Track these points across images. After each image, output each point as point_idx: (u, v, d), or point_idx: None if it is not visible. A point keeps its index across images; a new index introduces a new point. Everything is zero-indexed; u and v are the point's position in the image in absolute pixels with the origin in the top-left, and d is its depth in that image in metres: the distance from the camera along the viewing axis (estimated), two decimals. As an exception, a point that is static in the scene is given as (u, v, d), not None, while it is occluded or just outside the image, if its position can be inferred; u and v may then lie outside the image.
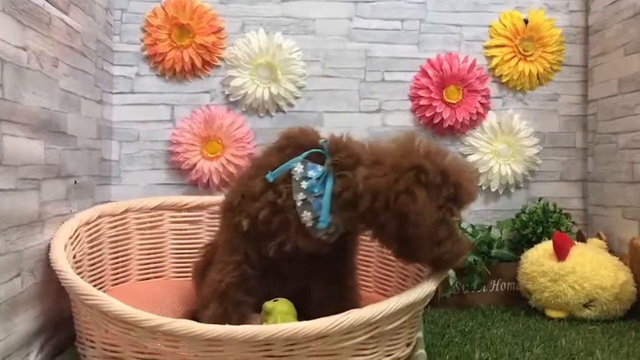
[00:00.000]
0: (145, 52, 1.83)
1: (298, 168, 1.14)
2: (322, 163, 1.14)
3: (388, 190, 1.05)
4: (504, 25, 1.88)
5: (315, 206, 1.12)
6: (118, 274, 1.54)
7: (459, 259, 1.14)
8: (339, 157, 1.12)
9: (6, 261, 1.09)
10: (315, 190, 1.12)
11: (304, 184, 1.13)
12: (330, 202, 1.11)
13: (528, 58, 1.88)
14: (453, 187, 1.07)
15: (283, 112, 1.87)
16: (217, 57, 1.84)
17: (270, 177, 1.15)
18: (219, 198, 1.40)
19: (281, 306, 1.20)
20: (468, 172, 1.13)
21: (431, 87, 1.85)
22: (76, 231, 1.34)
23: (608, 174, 1.77)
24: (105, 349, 1.16)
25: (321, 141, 1.17)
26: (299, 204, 1.13)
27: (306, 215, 1.13)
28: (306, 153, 1.15)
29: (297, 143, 1.18)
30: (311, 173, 1.13)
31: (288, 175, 1.15)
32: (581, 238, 1.77)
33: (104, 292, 1.42)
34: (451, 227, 1.10)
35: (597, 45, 1.83)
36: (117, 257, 1.53)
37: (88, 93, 1.55)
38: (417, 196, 1.03)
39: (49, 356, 1.25)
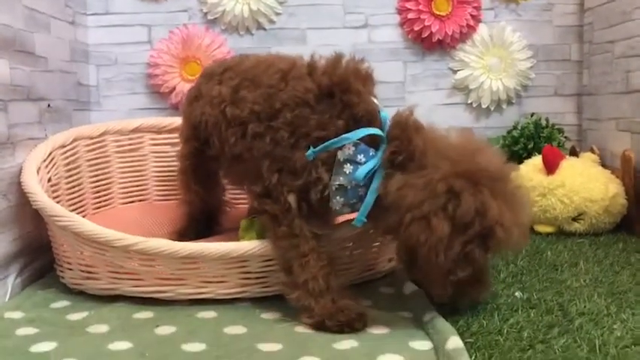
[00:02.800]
0: (118, -30, 1.76)
1: (348, 149, 0.98)
2: (376, 144, 0.99)
3: (408, 209, 0.92)
4: None
5: (351, 194, 1.00)
6: (99, 198, 1.53)
7: (472, 303, 1.02)
8: (396, 149, 0.97)
9: (-27, 182, 1.08)
10: (360, 181, 0.98)
11: (348, 168, 0.99)
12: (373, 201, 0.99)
13: (521, -36, 1.80)
14: (489, 226, 0.91)
15: (264, 29, 1.81)
16: (193, -28, 1.78)
17: (310, 155, 1.00)
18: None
19: (259, 223, 1.18)
20: (520, 212, 0.95)
21: (419, -2, 1.78)
22: (50, 154, 1.32)
23: (603, 86, 1.71)
24: (82, 271, 1.16)
25: (382, 114, 1.00)
26: (334, 188, 1.00)
27: (338, 201, 1.01)
28: (360, 133, 0.98)
29: (347, 102, 1.00)
30: (361, 158, 0.98)
31: (331, 153, 1.00)
32: (575, 154, 1.74)
33: (85, 216, 1.43)
34: (476, 268, 0.94)
35: (594, -52, 1.73)
36: (97, 181, 1.52)
37: (58, 13, 1.50)
38: (434, 227, 0.90)
39: (28, 280, 1.26)
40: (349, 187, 0.99)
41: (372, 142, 0.98)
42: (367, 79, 1.04)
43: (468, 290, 0.97)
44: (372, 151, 0.98)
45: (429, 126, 1.01)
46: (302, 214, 1.03)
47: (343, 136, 0.98)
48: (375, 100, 1.03)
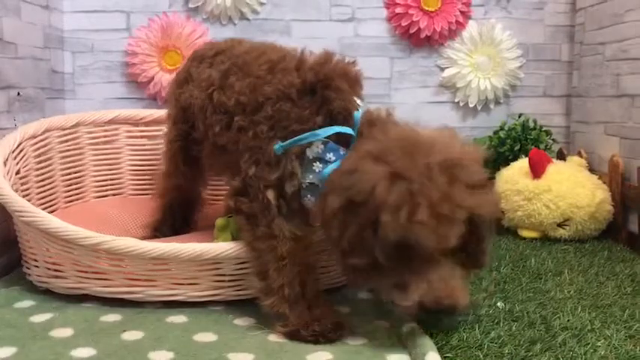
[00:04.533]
0: (96, -48, 1.71)
1: (316, 147, 0.97)
2: (348, 143, 0.97)
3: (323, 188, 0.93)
4: None
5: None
6: (71, 191, 1.48)
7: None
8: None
9: None
10: (325, 180, 0.95)
11: (317, 167, 0.97)
12: None
13: (514, -38, 1.77)
14: (376, 207, 0.83)
15: (247, 19, 1.78)
16: (175, -43, 1.73)
17: (278, 149, 0.98)
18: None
19: (235, 223, 1.14)
20: (454, 195, 0.83)
21: (408, -7, 1.75)
22: (19, 145, 1.28)
23: (593, 88, 1.68)
24: (48, 269, 1.13)
25: (356, 113, 0.98)
26: (304, 185, 0.98)
27: (310, 200, 0.98)
28: (330, 130, 0.96)
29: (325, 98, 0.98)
30: (330, 156, 0.96)
31: (303, 148, 0.98)
32: (562, 157, 1.73)
33: (56, 210, 1.38)
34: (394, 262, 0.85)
35: (589, -54, 1.70)
36: (69, 174, 1.47)
37: (30, -4, 1.44)
38: (327, 202, 0.88)
39: None
40: (320, 185, 0.96)
41: (344, 141, 0.96)
42: (354, 80, 1.02)
43: (431, 299, 0.86)
44: (342, 150, 0.96)
45: (406, 123, 0.97)
46: (281, 213, 1.00)
47: (312, 132, 0.96)
48: (359, 101, 1.00)
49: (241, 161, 1.04)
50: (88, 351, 0.90)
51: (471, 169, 0.86)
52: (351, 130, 0.96)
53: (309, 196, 0.98)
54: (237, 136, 1.05)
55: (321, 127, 0.97)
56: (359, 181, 0.85)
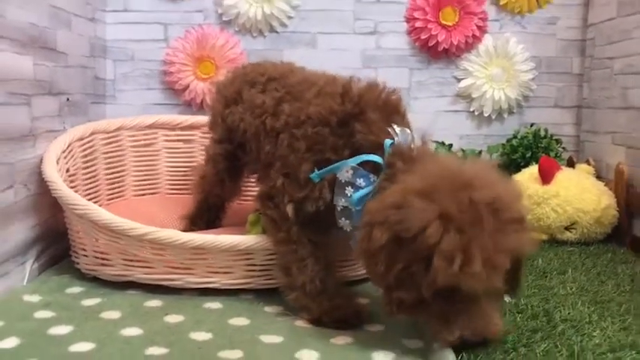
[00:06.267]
0: (137, -31, 1.82)
1: (346, 172, 1.00)
2: (377, 170, 1.00)
3: (364, 219, 0.92)
4: (505, -56, 1.83)
5: (356, 217, 1.00)
6: (113, 189, 1.59)
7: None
8: (389, 176, 0.97)
9: (-1, 172, 1.14)
10: (357, 206, 0.99)
11: (349, 191, 1.00)
12: None
13: (528, -21, 1.84)
14: (428, 247, 0.83)
15: (276, 32, 1.87)
16: (210, -26, 1.83)
17: (315, 177, 1.03)
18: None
19: (264, 220, 1.24)
20: (493, 242, 0.82)
21: (427, 8, 1.83)
22: (69, 146, 1.38)
23: (602, 100, 1.76)
24: (96, 257, 1.22)
25: (386, 141, 0.99)
26: (339, 209, 1.02)
27: (345, 223, 1.03)
28: (358, 159, 1.00)
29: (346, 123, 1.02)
30: (360, 182, 1.00)
31: (333, 176, 1.03)
32: (572, 164, 1.80)
33: (100, 206, 1.49)
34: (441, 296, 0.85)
35: (600, -34, 1.78)
36: (112, 173, 1.58)
37: (79, 10, 1.56)
38: (374, 236, 0.87)
39: (45, 265, 1.32)
40: (353, 210, 1.00)
41: (375, 170, 1.00)
42: (392, 109, 1.05)
43: (462, 324, 0.88)
44: (372, 177, 0.99)
45: (445, 155, 1.02)
46: (299, 222, 1.07)
47: (343, 161, 1.01)
48: (396, 128, 1.01)
49: (272, 169, 1.11)
50: (136, 330, 1.00)
51: (514, 208, 0.87)
52: (379, 158, 0.99)
53: (343, 219, 1.02)
54: (279, 149, 1.11)
55: (349, 158, 1.01)
56: (408, 218, 0.84)
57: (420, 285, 0.84)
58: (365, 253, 0.90)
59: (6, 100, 1.16)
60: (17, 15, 1.20)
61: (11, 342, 0.95)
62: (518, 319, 1.05)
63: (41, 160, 1.29)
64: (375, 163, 0.99)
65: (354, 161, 1.00)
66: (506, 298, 1.13)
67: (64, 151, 1.35)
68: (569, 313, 1.07)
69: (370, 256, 0.89)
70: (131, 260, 1.19)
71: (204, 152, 1.60)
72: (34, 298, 1.14)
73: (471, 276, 0.81)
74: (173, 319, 1.06)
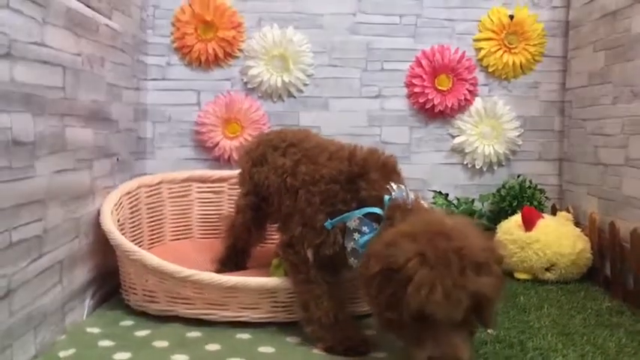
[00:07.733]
0: (175, 44, 2.05)
1: (354, 221, 1.21)
2: (378, 220, 1.19)
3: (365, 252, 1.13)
4: (492, 20, 2.07)
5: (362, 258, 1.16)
6: (153, 235, 1.80)
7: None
8: (387, 225, 1.15)
9: (68, 226, 1.34)
10: (363, 248, 1.17)
11: (356, 236, 1.20)
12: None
13: (513, 50, 2.07)
14: (409, 282, 0.99)
15: (294, 97, 2.08)
16: (237, 49, 2.06)
17: (328, 225, 1.24)
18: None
19: (286, 263, 1.44)
20: (461, 278, 0.98)
21: (424, 76, 2.05)
22: (119, 199, 1.59)
23: (579, 155, 1.96)
24: (145, 295, 1.41)
25: (386, 197, 1.19)
26: (349, 249, 1.22)
27: (354, 261, 1.22)
28: (363, 211, 1.21)
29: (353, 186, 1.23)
30: (365, 229, 1.19)
31: (343, 225, 1.23)
32: (554, 211, 1.99)
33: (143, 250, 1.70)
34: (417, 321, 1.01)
35: (574, 39, 2.01)
36: (153, 221, 1.80)
37: (127, 82, 1.79)
38: (370, 265, 1.05)
39: (99, 301, 1.52)
40: (360, 251, 1.19)
41: (377, 219, 1.20)
42: (390, 170, 1.27)
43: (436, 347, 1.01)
44: (375, 225, 1.20)
45: (434, 210, 1.20)
46: (317, 265, 1.28)
47: (351, 212, 1.23)
48: (393, 186, 1.21)
49: (292, 221, 1.33)
50: (184, 357, 1.18)
51: (480, 256, 1.01)
52: (380, 210, 1.19)
53: (352, 259, 1.22)
54: (298, 204, 1.32)
55: (356, 209, 1.22)
56: (396, 254, 1.02)
57: (402, 308, 1.00)
58: (362, 277, 1.09)
59: (76, 166, 1.38)
60: (85, 96, 1.43)
61: (86, 365, 1.13)
62: (496, 347, 1.25)
63: (98, 213, 1.49)
64: (377, 214, 1.20)
65: (360, 212, 1.21)
66: (490, 331, 1.32)
67: (115, 205, 1.55)
68: (539, 343, 1.27)
69: (366, 281, 1.07)
70: (175, 297, 1.38)
71: (231, 202, 1.83)
72: (95, 330, 1.33)
73: (434, 303, 0.97)
74: (212, 347, 1.25)
